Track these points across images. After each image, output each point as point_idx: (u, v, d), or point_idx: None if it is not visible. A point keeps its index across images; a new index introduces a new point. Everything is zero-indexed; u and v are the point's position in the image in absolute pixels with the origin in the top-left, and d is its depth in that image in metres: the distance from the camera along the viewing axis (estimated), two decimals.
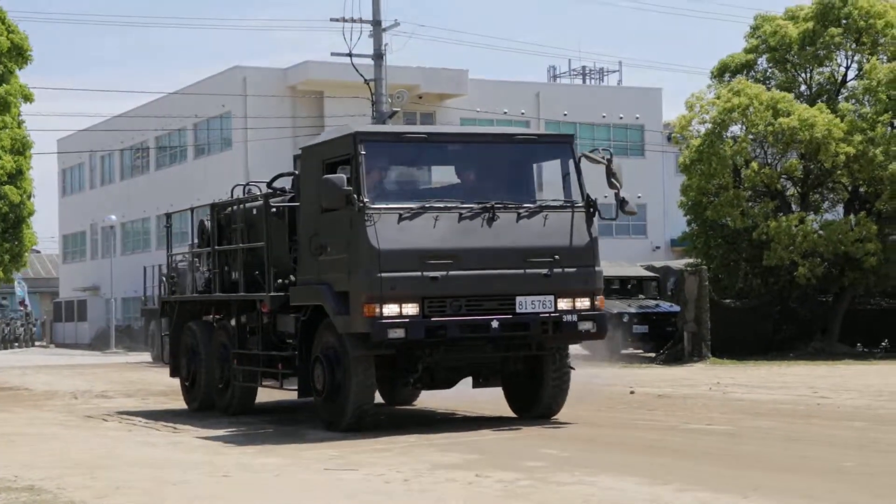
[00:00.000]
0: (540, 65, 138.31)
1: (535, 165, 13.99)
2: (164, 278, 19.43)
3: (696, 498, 8.30)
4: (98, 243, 60.64)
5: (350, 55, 30.70)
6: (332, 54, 32.58)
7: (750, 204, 28.39)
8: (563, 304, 12.93)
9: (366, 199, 12.42)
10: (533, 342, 13.25)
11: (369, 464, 10.60)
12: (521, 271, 12.82)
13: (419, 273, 12.43)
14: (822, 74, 30.84)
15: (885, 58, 29.14)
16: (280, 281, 14.20)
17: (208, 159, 50.33)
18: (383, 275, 12.31)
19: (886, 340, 30.50)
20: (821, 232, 27.48)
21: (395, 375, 13.58)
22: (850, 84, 30.62)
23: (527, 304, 12.81)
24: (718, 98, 28.90)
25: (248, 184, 16.57)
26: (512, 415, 14.24)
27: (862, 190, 28.77)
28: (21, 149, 29.28)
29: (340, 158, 12.95)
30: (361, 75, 30.82)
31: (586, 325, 13.02)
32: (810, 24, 29.81)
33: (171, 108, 50.08)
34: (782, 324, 28.98)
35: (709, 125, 28.54)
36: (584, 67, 59.35)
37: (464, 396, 15.30)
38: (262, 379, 14.95)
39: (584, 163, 13.51)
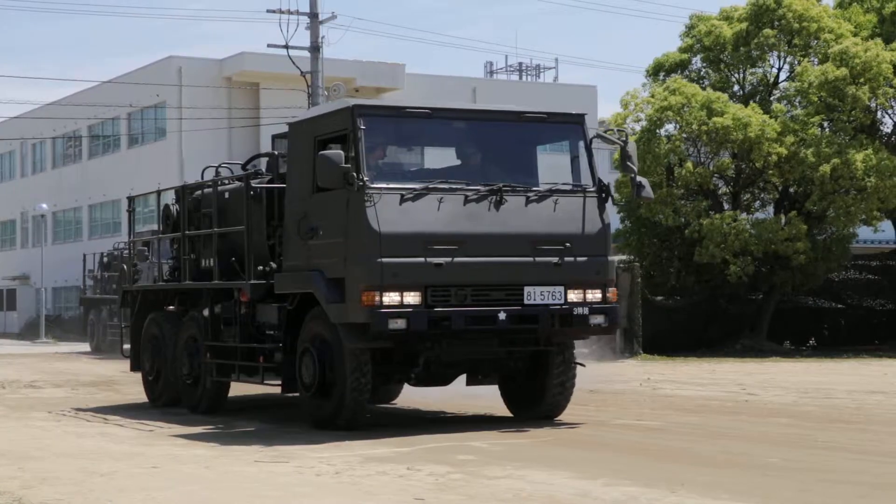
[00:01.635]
0: (477, 60, 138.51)
1: (544, 146, 13.20)
2: (124, 266, 18.55)
3: (623, 492, 8.35)
4: (28, 232, 59.95)
5: (286, 47, 30.58)
6: (269, 46, 32.41)
7: (683, 202, 28.67)
8: (574, 295, 12.00)
9: (366, 178, 11.46)
10: (541, 336, 12.36)
11: (301, 456, 10.56)
12: (531, 259, 11.90)
13: (422, 259, 11.48)
14: (754, 75, 31.23)
15: (817, 60, 29.55)
16: (260, 268, 13.26)
17: (142, 149, 49.94)
18: (384, 260, 11.35)
19: (813, 338, 31.02)
20: (752, 230, 27.84)
21: (390, 370, 12.48)
22: (781, 85, 31.04)
23: (535, 294, 11.88)
24: (653, 97, 29.15)
25: (219, 165, 15.66)
26: (505, 414, 13.42)
27: (792, 190, 29.18)
28: None
29: (335, 134, 11.93)
30: (298, 67, 30.67)
31: (598, 319, 12.11)
32: (744, 25, 30.17)
33: (104, 97, 49.55)
34: (713, 321, 29.32)
35: (643, 123, 28.78)
36: (520, 64, 59.55)
37: (448, 393, 14.28)
38: (240, 373, 13.85)
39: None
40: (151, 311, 15.95)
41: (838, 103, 28.08)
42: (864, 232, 30.71)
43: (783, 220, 28.23)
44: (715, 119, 27.62)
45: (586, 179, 12.41)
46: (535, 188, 12.16)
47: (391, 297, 11.31)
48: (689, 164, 28.25)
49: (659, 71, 31.76)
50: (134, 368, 16.38)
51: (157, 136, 48.60)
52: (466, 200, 11.74)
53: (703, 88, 29.37)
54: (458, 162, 12.69)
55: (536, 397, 12.96)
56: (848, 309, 31.80)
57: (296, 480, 9.26)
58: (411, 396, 15.27)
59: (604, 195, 12.32)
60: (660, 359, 24.91)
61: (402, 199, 11.54)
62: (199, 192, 15.11)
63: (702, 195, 29.00)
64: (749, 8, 30.41)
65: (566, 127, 12.87)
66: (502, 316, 11.65)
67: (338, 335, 11.80)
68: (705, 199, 28.77)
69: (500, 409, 13.54)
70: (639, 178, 12.66)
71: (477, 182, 11.92)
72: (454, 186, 11.82)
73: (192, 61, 47.02)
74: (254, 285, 13.17)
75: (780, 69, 31.16)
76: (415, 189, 11.64)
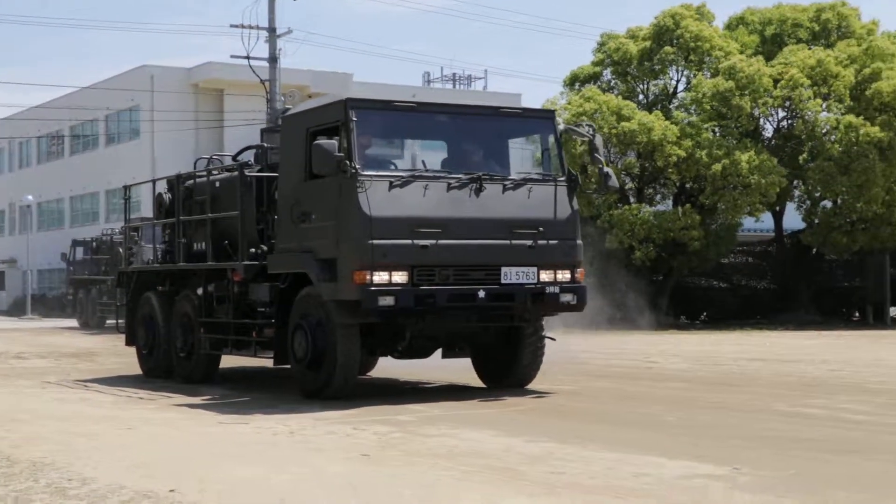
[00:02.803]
0: (416, 71, 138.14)
1: (518, 139, 12.95)
2: (119, 249, 18.06)
3: (543, 448, 8.39)
4: (16, 220, 59.17)
5: (248, 58, 30.33)
6: (232, 56, 32.13)
7: (595, 196, 28.80)
8: (545, 275, 11.74)
9: (357, 166, 11.09)
10: (516, 313, 12.03)
11: (260, 418, 10.50)
12: (507, 242, 11.60)
13: (409, 241, 11.13)
14: (657, 86, 31.48)
15: (710, 74, 29.85)
16: (252, 250, 12.92)
17: (118, 147, 49.41)
18: (375, 242, 11.00)
19: (705, 314, 31.36)
20: (654, 221, 28.07)
21: (376, 344, 12.19)
22: (680, 95, 31.32)
23: (511, 274, 11.58)
24: (570, 104, 29.28)
25: (211, 157, 15.14)
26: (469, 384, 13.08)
27: (688, 186, 29.46)
28: None
29: (327, 126, 11.55)
30: (258, 76, 30.46)
31: (567, 297, 11.85)
32: (648, 43, 30.38)
33: (84, 101, 48.97)
34: (622, 299, 29.53)
35: (561, 127, 28.82)
36: (454, 74, 59.54)
37: (416, 365, 13.74)
38: (233, 347, 13.46)
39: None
40: (146, 290, 15.54)
41: (727, 111, 28.38)
42: (748, 222, 31.07)
43: (680, 212, 28.51)
44: (623, 124, 27.80)
45: (557, 169, 12.25)
46: (511, 177, 11.94)
47: (381, 276, 11.01)
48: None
49: (575, 81, 31.89)
50: (129, 343, 15.97)
51: (132, 136, 48.11)
52: (449, 187, 11.46)
53: (614, 97, 29.54)
54: (442, 152, 12.43)
55: (508, 369, 12.72)
56: (735, 288, 32.19)
57: (254, 439, 9.20)
58: (385, 367, 14.89)
59: (573, 184, 12.14)
60: (577, 332, 25.03)
61: (391, 186, 11.21)
62: (190, 181, 14.74)
63: (586, 191, 29.06)
64: (652, 28, 30.64)
65: (538, 122, 12.81)
66: (482, 294, 11.40)
67: (328, 312, 11.49)
68: (614, 194, 28.91)
69: (472, 380, 13.24)
70: (605, 169, 12.40)
71: (458, 171, 11.67)
72: (438, 174, 11.57)
73: (163, 69, 46.48)
74: (247, 266, 12.83)
75: (678, 81, 31.48)
76: (402, 176, 11.35)
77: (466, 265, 11.43)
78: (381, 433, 9.33)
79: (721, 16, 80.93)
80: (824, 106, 28.93)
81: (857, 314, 32.02)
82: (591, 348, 19.86)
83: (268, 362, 13.09)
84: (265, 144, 13.67)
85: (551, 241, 11.80)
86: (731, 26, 32.31)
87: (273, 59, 32.01)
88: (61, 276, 34.69)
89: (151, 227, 16.41)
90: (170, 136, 43.12)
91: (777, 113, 29.67)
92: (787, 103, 28.62)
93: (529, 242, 11.68)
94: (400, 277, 11.07)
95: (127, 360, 18.41)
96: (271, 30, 32.13)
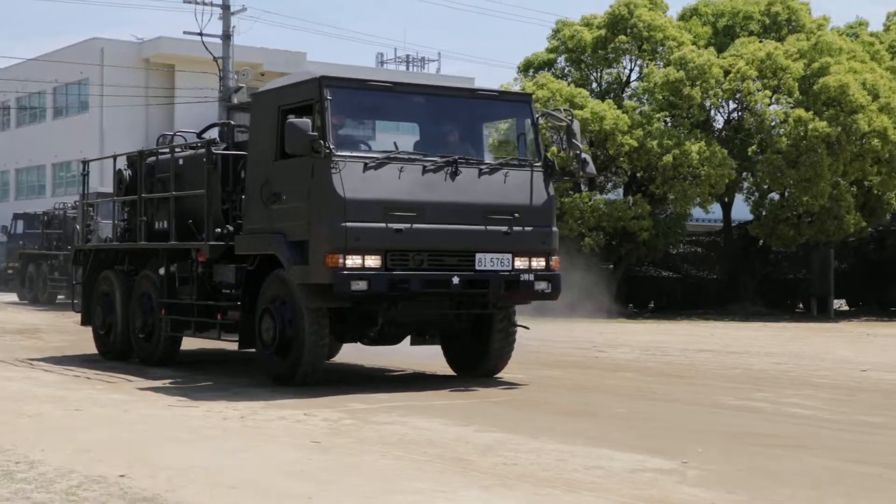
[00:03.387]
0: (369, 52, 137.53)
1: (494, 122, 12.56)
2: (76, 226, 17.51)
3: (493, 438, 8.43)
4: None
5: (201, 35, 30.00)
6: (185, 33, 31.77)
7: (570, 181, 28.78)
8: (520, 263, 11.51)
9: (332, 146, 10.76)
10: (490, 300, 11.72)
11: (210, 401, 10.45)
12: (482, 228, 11.33)
13: (383, 225, 10.84)
14: (610, 74, 31.59)
15: (662, 64, 30.02)
16: (218, 230, 12.55)
17: (66, 121, 48.75)
18: (348, 224, 10.69)
19: (653, 303, 31.62)
20: (605, 209, 28.22)
21: (345, 329, 11.84)
22: (632, 84, 31.45)
23: (486, 261, 11.34)
24: (523, 90, 29.30)
25: (174, 134, 14.67)
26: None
27: (639, 175, 29.64)
28: None
29: (299, 104, 11.20)
30: (211, 53, 30.17)
31: (542, 286, 11.62)
32: (602, 32, 30.47)
33: (32, 73, 48.19)
34: (571, 287, 29.65)
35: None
36: (407, 55, 59.46)
37: (383, 352, 13.45)
38: (196, 329, 13.05)
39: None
40: (103, 269, 15.06)
41: (678, 102, 28.58)
42: (697, 212, 31.34)
43: (631, 201, 28.69)
44: (576, 112, 27.87)
45: (533, 154, 11.95)
46: (487, 161, 11.70)
47: (354, 260, 10.74)
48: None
49: (529, 68, 31.92)
50: (85, 323, 15.46)
51: (80, 110, 47.47)
52: (424, 170, 11.14)
53: (567, 85, 29.62)
54: (416, 134, 12.16)
55: (479, 357, 12.51)
56: (683, 278, 32.47)
57: (204, 424, 9.15)
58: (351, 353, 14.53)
59: (549, 169, 11.86)
60: (526, 319, 25.09)
61: (366, 167, 10.89)
62: (152, 158, 14.35)
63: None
64: (606, 16, 30.73)
65: (515, 105, 12.47)
66: (456, 280, 11.14)
67: (298, 295, 11.16)
68: (566, 181, 29.04)
69: (441, 367, 13.04)
70: (583, 155, 12.09)
71: (433, 153, 11.36)
72: (413, 157, 11.26)
73: (113, 43, 45.88)
74: (212, 246, 12.44)
75: (631, 70, 31.60)
76: (377, 158, 11.01)
77: (441, 250, 11.17)
78: (331, 420, 9.32)
79: (675, 6, 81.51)
80: (773, 99, 29.22)
81: (801, 306, 32.46)
82: (539, 336, 19.92)
83: (229, 345, 12.96)
84: (231, 122, 13.38)
85: (527, 228, 11.56)
86: (685, 17, 32.52)
87: (227, 37, 31.72)
88: (16, 249, 33.70)
89: (109, 204, 16.17)
90: (119, 111, 42.64)
91: (727, 105, 29.92)
92: (737, 95, 28.86)
93: (505, 228, 11.43)
94: (373, 262, 10.82)
95: (73, 337, 18.24)
96: (225, 7, 31.82)
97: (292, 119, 10.78)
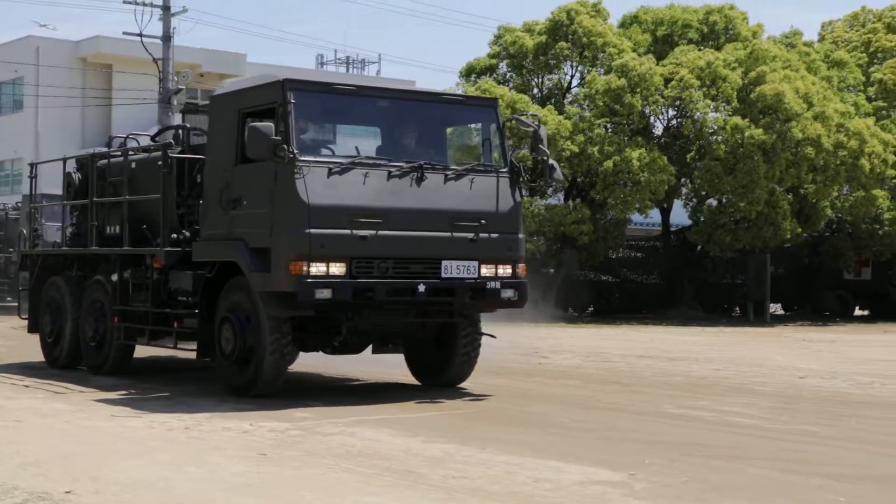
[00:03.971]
0: (309, 53, 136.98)
1: (459, 127, 12.45)
2: (23, 230, 16.27)
3: (441, 449, 8.43)
4: None
5: (140, 35, 29.66)
6: (124, 33, 31.41)
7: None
8: (486, 270, 11.28)
9: (296, 151, 10.48)
10: (456, 308, 11.51)
11: (153, 411, 10.34)
12: (448, 235, 11.09)
13: (348, 231, 10.56)
14: (551, 80, 31.80)
15: (603, 70, 30.27)
16: (174, 236, 12.14)
17: (0, 119, 47.84)
18: (312, 231, 10.39)
19: (592, 307, 31.87)
20: (545, 214, 28.39)
21: (307, 339, 11.53)
22: (573, 90, 31.69)
23: (452, 268, 11.10)
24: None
25: (127, 136, 14.25)
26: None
27: (580, 180, 29.86)
28: None
29: (261, 108, 10.94)
30: (150, 54, 29.83)
31: (508, 293, 11.39)
32: (544, 38, 30.67)
33: None
34: None
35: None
36: (347, 57, 59.32)
37: (344, 361, 13.32)
38: (151, 338, 12.68)
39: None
40: (51, 274, 14.62)
41: (619, 108, 28.84)
42: (636, 217, 31.67)
43: (571, 206, 28.89)
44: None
45: (498, 161, 11.76)
46: (453, 167, 11.49)
47: (318, 268, 10.43)
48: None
49: (471, 73, 32.03)
50: (31, 330, 14.94)
51: (15, 109, 46.67)
52: (389, 176, 10.89)
53: (509, 90, 29.76)
54: (380, 139, 11.91)
55: (442, 366, 12.30)
56: (622, 282, 32.78)
57: (149, 435, 9.06)
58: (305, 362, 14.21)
59: (515, 176, 11.67)
60: None
61: (330, 173, 10.61)
62: (103, 161, 13.91)
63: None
64: (547, 23, 30.94)
65: (480, 110, 12.30)
66: (421, 288, 10.90)
67: (259, 304, 10.85)
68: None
69: (401, 375, 12.88)
70: (551, 161, 11.84)
71: (398, 159, 11.11)
72: (378, 162, 10.99)
73: (49, 41, 45.15)
74: (168, 252, 12.06)
75: (572, 77, 31.84)
76: (341, 163, 10.75)
77: (406, 258, 10.93)
78: (277, 430, 9.26)
79: (616, 13, 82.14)
80: (713, 107, 29.61)
81: (738, 310, 32.92)
82: (483, 341, 19.95)
83: (179, 353, 12.78)
84: (186, 125, 13.07)
85: (493, 235, 11.34)
86: (626, 24, 32.85)
87: (167, 38, 31.43)
88: None
89: (55, 207, 15.71)
90: (55, 111, 42.00)
91: (667, 112, 30.26)
92: (678, 103, 29.20)
93: (471, 235, 11.22)
94: (338, 269, 10.54)
95: (10, 343, 17.93)
96: (165, 8, 31.51)
97: (254, 123, 10.51)
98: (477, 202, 11.34)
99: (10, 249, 27.48)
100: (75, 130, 43.69)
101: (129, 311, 12.83)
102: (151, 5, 30.94)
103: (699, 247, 31.34)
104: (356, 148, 11.34)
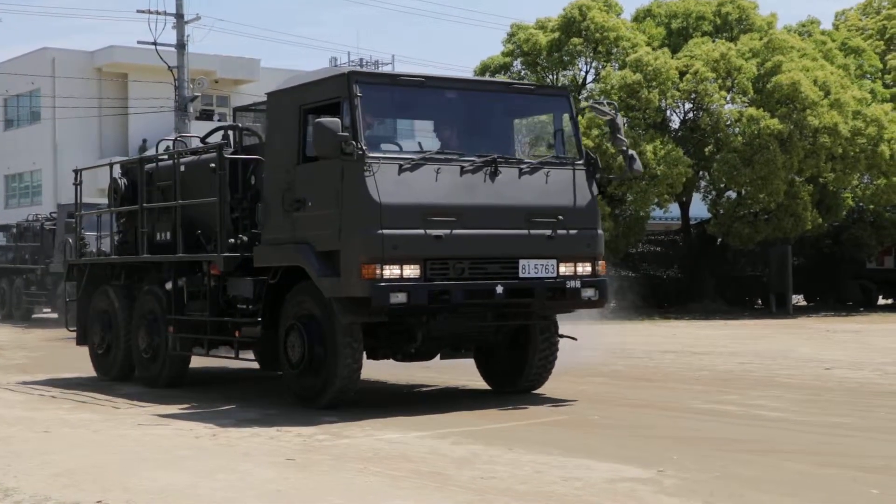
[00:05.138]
0: (323, 56, 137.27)
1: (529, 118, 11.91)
2: (69, 239, 15.91)
3: (469, 450, 8.41)
4: None
5: (155, 44, 29.74)
6: (139, 42, 31.52)
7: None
8: (565, 268, 10.70)
9: (364, 147, 9.99)
10: (535, 310, 10.98)
11: (179, 418, 10.36)
12: (525, 232, 10.50)
13: (422, 231, 9.98)
14: (566, 77, 31.70)
15: (617, 66, 30.18)
16: (231, 241, 11.60)
17: (18, 131, 48.18)
18: (385, 232, 9.85)
19: (614, 302, 31.71)
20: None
21: (377, 345, 10.92)
22: (589, 86, 31.59)
23: (530, 268, 10.51)
24: None
25: (176, 139, 13.77)
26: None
27: (598, 176, 29.68)
28: None
29: (324, 103, 10.38)
30: (165, 62, 29.92)
31: (589, 293, 10.81)
32: (557, 35, 30.59)
33: None
34: None
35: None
36: (361, 59, 59.25)
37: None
38: (210, 348, 12.19)
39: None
40: (100, 284, 14.10)
41: (635, 103, 28.74)
42: (656, 211, 31.55)
43: None
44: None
45: (572, 152, 11.14)
46: (526, 160, 10.84)
47: (392, 271, 9.86)
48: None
49: (485, 72, 31.97)
50: (80, 342, 14.40)
51: (33, 120, 46.96)
52: (462, 171, 10.29)
53: None
54: (447, 132, 11.25)
55: (517, 371, 11.66)
56: (643, 277, 32.67)
57: (176, 443, 9.06)
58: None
59: (592, 168, 11.07)
60: None
61: (401, 170, 10.01)
62: (151, 165, 13.43)
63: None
64: (560, 19, 30.86)
65: (551, 99, 11.62)
66: (499, 289, 10.31)
67: (328, 310, 10.29)
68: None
69: (469, 381, 12.37)
70: (631, 152, 11.31)
71: (468, 153, 10.51)
72: (450, 157, 10.38)
73: (64, 52, 45.40)
74: (227, 258, 11.51)
75: (587, 73, 31.73)
76: (412, 159, 10.14)
77: (483, 257, 10.34)
78: (304, 435, 9.26)
79: (629, 7, 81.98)
80: (728, 98, 29.48)
81: (760, 302, 32.77)
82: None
83: (212, 361, 12.56)
84: (238, 124, 12.55)
85: (571, 231, 10.75)
86: (639, 18, 32.73)
87: (181, 46, 31.52)
88: None
89: (92, 216, 15.43)
90: (72, 121, 42.21)
91: (683, 105, 30.14)
92: (693, 96, 29.09)
93: (549, 232, 10.62)
94: (411, 271, 9.95)
95: (35, 354, 18.04)
96: (179, 16, 31.61)
97: (321, 118, 9.94)
98: (554, 197, 10.75)
99: (47, 260, 27.48)
100: (93, 140, 43.89)
101: (184, 320, 12.31)
102: (165, 14, 31.05)
103: (719, 240, 31.20)
104: (419, 143, 10.93)
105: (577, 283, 10.74)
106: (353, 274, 9.93)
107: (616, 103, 12.63)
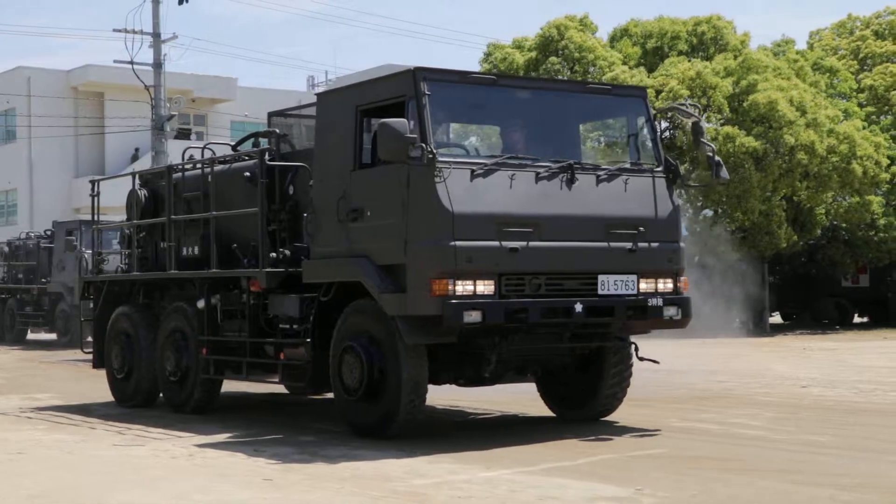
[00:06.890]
0: (300, 75, 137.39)
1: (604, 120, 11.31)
2: (84, 255, 15.37)
3: (445, 469, 8.39)
4: None
5: (132, 63, 29.60)
6: (115, 61, 31.39)
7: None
8: (646, 285, 9.84)
9: (434, 151, 9.13)
10: (614, 330, 10.11)
11: (156, 439, 10.29)
12: (605, 245, 9.67)
13: (497, 243, 9.13)
14: None
15: None
16: (273, 255, 10.85)
17: None
18: (458, 244, 8.99)
19: None
20: None
21: (441, 368, 9.92)
22: None
23: (609, 284, 9.65)
24: None
25: (205, 146, 12.86)
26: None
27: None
28: None
29: (385, 103, 9.56)
30: (142, 81, 29.75)
31: (671, 311, 9.91)
32: (534, 54, 30.75)
33: None
34: None
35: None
36: (338, 78, 59.32)
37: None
38: (249, 371, 11.23)
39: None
40: (118, 303, 13.23)
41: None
42: None
43: None
44: None
45: (648, 157, 10.36)
46: (604, 167, 10.03)
47: (465, 287, 8.97)
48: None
49: None
50: (97, 365, 13.54)
51: (8, 139, 46.73)
52: (538, 178, 9.47)
53: None
54: (518, 134, 10.34)
55: (587, 396, 10.83)
56: None
57: (153, 463, 9.00)
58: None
59: (673, 175, 10.27)
60: None
61: (473, 175, 9.17)
62: (176, 175, 12.61)
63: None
64: (537, 38, 31.03)
65: (628, 100, 10.71)
66: (578, 308, 9.42)
67: (390, 330, 9.39)
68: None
69: (528, 408, 11.69)
70: (717, 158, 10.41)
71: (541, 157, 9.69)
72: (525, 162, 9.53)
73: (40, 71, 45.21)
74: (269, 274, 10.69)
75: None
76: (486, 164, 9.31)
77: (561, 273, 9.50)
78: (280, 455, 9.21)
79: (606, 27, 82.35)
80: (704, 117, 29.64)
81: (737, 320, 32.85)
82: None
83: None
84: (276, 129, 11.62)
85: (652, 244, 9.92)
86: (616, 38, 32.93)
87: (158, 65, 31.36)
88: None
89: (92, 231, 14.85)
90: (48, 141, 42.02)
91: (659, 123, 30.23)
92: (669, 114, 29.22)
93: (629, 245, 9.78)
94: (486, 287, 9.07)
95: (9, 375, 17.86)
96: (156, 35, 31.47)
97: (385, 119, 9.07)
98: (633, 207, 9.94)
99: (44, 279, 27.10)
100: (69, 160, 43.71)
101: (219, 341, 11.49)
102: (142, 33, 30.90)
103: (696, 258, 31.30)
104: (476, 148, 10.18)
105: (659, 301, 9.89)
106: (421, 290, 9.05)
107: (698, 105, 11.53)
